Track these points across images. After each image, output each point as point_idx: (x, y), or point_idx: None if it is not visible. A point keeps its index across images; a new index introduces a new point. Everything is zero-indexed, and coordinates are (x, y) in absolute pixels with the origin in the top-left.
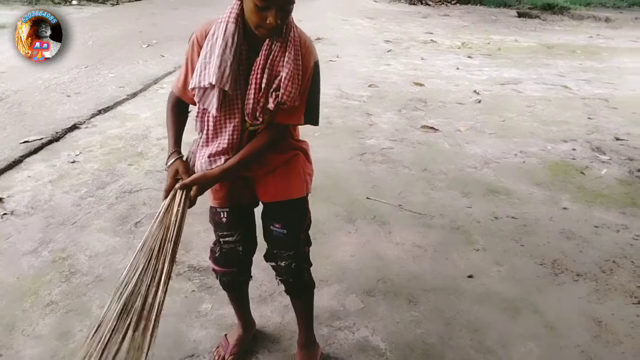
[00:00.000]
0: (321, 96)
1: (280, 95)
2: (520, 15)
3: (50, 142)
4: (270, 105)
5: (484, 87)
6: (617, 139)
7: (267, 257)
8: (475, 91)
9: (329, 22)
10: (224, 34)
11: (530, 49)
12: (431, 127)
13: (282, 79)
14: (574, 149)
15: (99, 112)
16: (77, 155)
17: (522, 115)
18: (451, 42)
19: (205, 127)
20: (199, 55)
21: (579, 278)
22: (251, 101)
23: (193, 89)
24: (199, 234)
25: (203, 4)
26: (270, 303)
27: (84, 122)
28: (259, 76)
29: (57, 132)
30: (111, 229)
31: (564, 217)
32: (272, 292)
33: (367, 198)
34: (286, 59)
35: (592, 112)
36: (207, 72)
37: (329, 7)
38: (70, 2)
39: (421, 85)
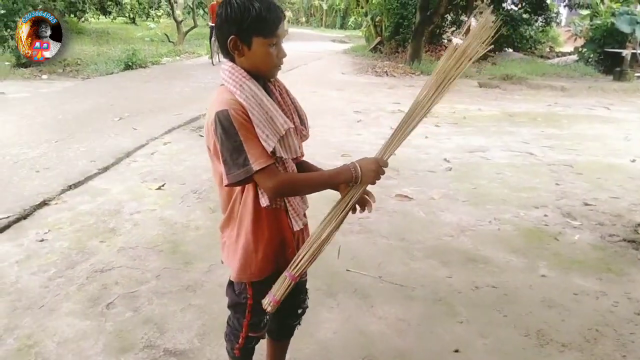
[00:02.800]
0: None
1: (306, 125)
2: (481, 85)
3: (17, 220)
4: (305, 135)
5: (453, 154)
6: (586, 204)
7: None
8: (445, 159)
9: (300, 94)
10: (256, 89)
11: (494, 118)
12: (405, 196)
13: (302, 112)
14: (545, 215)
15: (69, 187)
16: (45, 233)
17: (493, 182)
18: None
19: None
20: (250, 123)
21: (564, 349)
22: (297, 136)
23: (274, 147)
24: (175, 315)
25: (174, 77)
26: None
27: (54, 198)
28: (294, 112)
29: (24, 210)
30: (81, 312)
31: (543, 285)
32: None
33: (347, 270)
34: (292, 94)
35: (559, 178)
36: (277, 122)
37: (299, 80)
38: (40, 76)
39: (393, 154)
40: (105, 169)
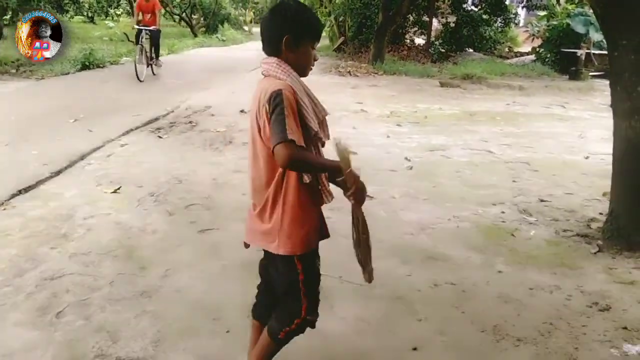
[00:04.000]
0: None
1: None
2: (442, 84)
3: None
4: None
5: (415, 153)
6: (542, 201)
7: None
8: (406, 158)
9: None
10: (300, 80)
11: (455, 116)
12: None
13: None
14: (503, 212)
15: (20, 192)
16: None
17: (452, 180)
18: (381, 111)
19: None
20: (296, 105)
21: (519, 343)
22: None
23: (317, 129)
24: (129, 322)
25: (134, 77)
26: None
27: (2, 203)
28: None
29: None
30: (30, 322)
31: (500, 281)
32: None
33: None
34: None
35: (516, 175)
36: (318, 108)
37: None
38: None
39: (354, 153)
40: (58, 172)
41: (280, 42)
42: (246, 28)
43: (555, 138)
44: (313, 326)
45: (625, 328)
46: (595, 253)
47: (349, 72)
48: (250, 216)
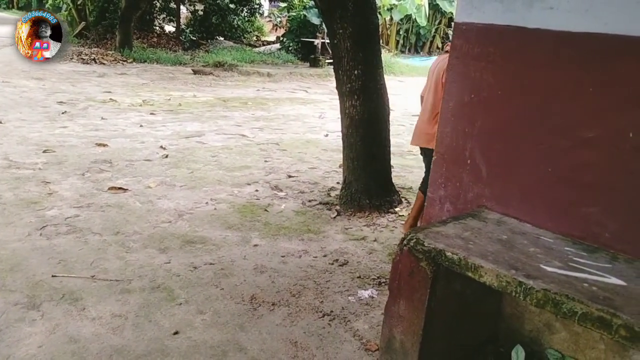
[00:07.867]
0: None
1: None
2: (195, 72)
3: None
4: None
5: (170, 142)
6: (290, 176)
7: None
8: (161, 146)
9: None
10: None
11: (209, 103)
12: (120, 188)
13: None
14: (257, 190)
15: None
16: None
17: (209, 165)
18: (132, 100)
19: None
20: None
21: (274, 307)
22: None
23: None
24: None
25: None
26: None
27: None
28: None
29: None
30: None
31: (255, 254)
32: None
33: (53, 276)
34: None
35: (268, 156)
36: None
37: None
38: None
39: (105, 145)
40: None
41: (444, 43)
42: None
43: (300, 120)
44: None
45: (359, 277)
46: (334, 217)
47: (94, 59)
48: (424, 127)
